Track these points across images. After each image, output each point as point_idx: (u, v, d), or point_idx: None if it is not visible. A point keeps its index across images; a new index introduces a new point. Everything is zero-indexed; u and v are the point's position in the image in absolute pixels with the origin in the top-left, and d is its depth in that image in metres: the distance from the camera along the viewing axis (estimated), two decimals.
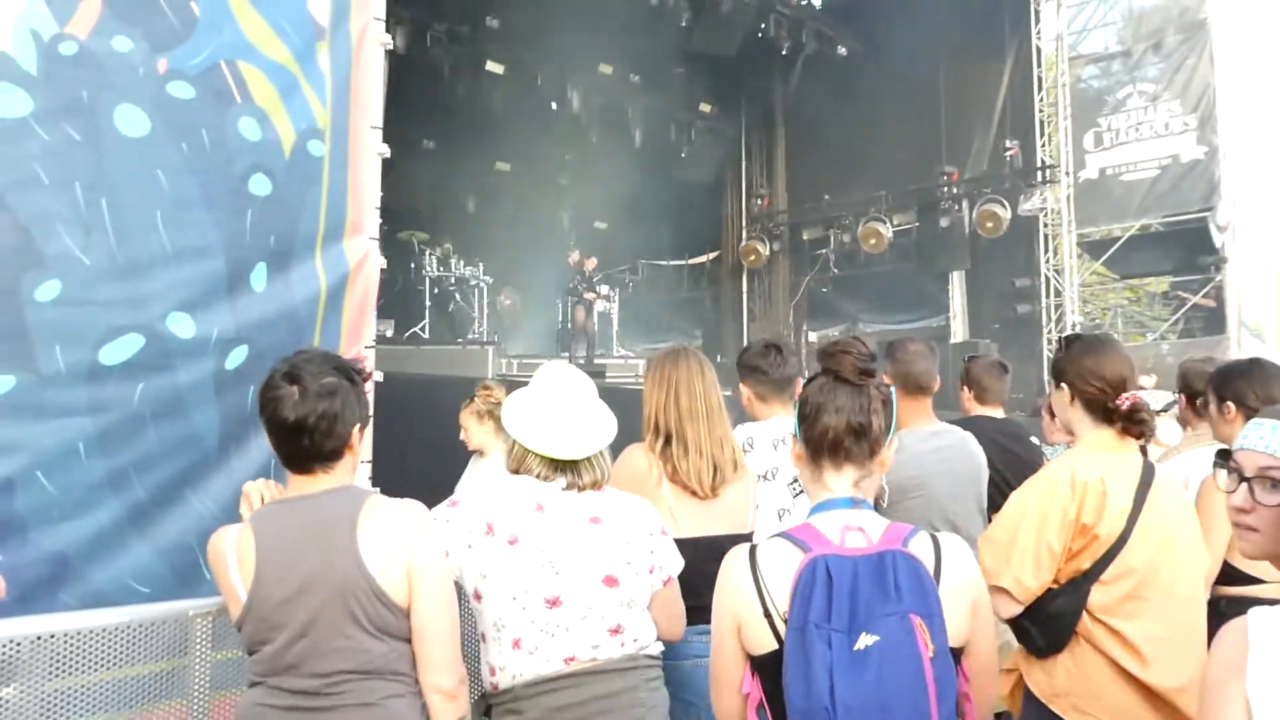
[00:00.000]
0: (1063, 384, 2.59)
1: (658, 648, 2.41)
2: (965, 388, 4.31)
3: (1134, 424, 2.49)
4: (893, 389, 1.88)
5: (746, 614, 1.73)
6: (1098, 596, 2.40)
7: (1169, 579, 2.41)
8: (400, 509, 2.14)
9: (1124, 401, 2.47)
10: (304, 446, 2.08)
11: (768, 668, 1.71)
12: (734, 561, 1.79)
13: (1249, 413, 2.85)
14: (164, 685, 2.40)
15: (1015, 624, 2.49)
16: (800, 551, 1.70)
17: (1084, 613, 2.40)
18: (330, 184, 3.48)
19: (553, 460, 2.38)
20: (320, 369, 2.10)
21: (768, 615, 1.70)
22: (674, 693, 2.46)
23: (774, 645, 1.69)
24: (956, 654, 1.72)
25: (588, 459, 2.41)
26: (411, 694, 2.10)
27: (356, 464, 2.24)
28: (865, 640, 1.58)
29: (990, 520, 2.95)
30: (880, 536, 1.73)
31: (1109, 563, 2.39)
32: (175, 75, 3.00)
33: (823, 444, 1.81)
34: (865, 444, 1.80)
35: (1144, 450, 3.89)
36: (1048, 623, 2.44)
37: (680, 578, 2.47)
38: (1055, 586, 2.44)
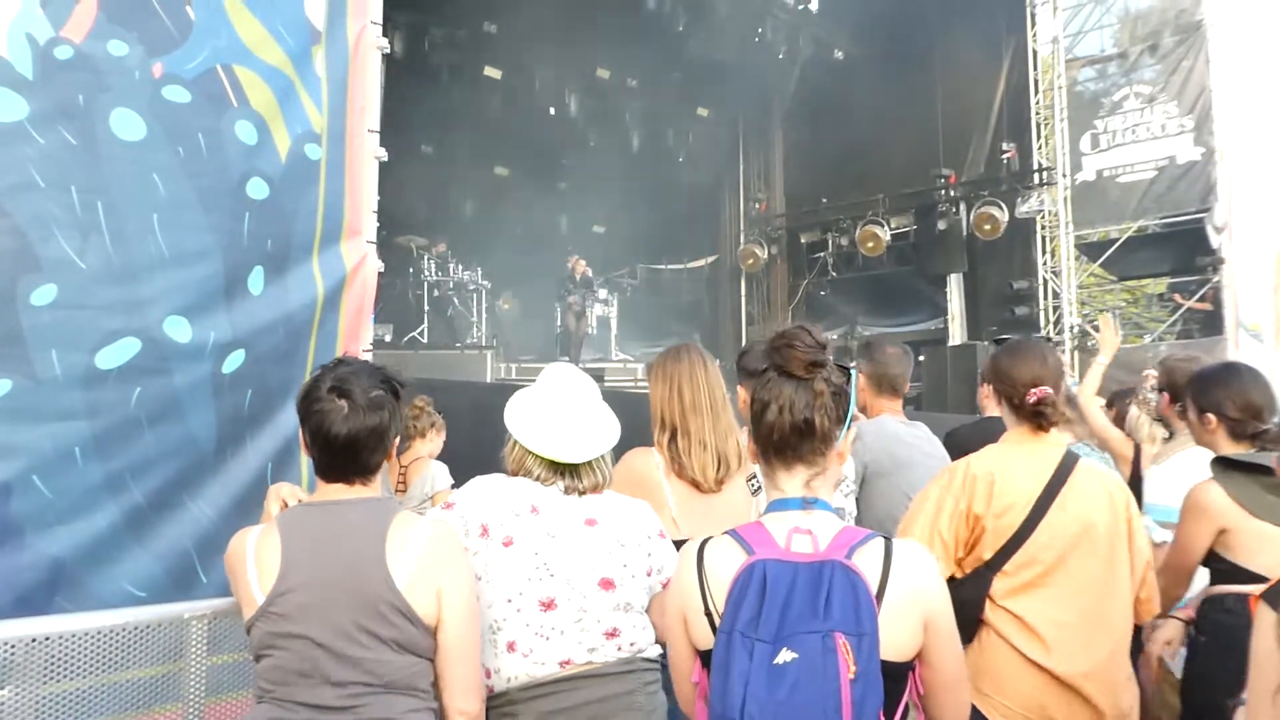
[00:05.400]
0: (989, 384, 2.78)
1: (655, 651, 2.37)
2: (986, 384, 4.20)
3: (1037, 417, 2.58)
4: (854, 373, 1.78)
5: (690, 610, 1.70)
6: (1000, 584, 2.45)
7: (1082, 567, 2.44)
8: (431, 528, 2.09)
9: (1031, 397, 2.56)
10: (349, 460, 2.05)
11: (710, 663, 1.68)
12: (686, 555, 1.75)
13: (1229, 423, 2.87)
14: (160, 689, 2.39)
15: None
16: (744, 552, 1.65)
17: (987, 599, 2.45)
18: (327, 188, 3.49)
19: (552, 463, 2.34)
20: (369, 382, 2.05)
21: (708, 614, 1.66)
22: (667, 685, 2.43)
23: (713, 643, 1.65)
24: (904, 668, 1.66)
25: (588, 463, 2.36)
26: (429, 709, 2.04)
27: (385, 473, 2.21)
28: (785, 656, 1.53)
29: None
30: (829, 543, 1.64)
31: (1011, 553, 2.45)
32: (171, 79, 3.00)
33: (769, 443, 1.73)
34: (812, 442, 1.70)
35: (1138, 450, 3.87)
36: (956, 613, 2.49)
37: None
38: (960, 576, 2.50)
